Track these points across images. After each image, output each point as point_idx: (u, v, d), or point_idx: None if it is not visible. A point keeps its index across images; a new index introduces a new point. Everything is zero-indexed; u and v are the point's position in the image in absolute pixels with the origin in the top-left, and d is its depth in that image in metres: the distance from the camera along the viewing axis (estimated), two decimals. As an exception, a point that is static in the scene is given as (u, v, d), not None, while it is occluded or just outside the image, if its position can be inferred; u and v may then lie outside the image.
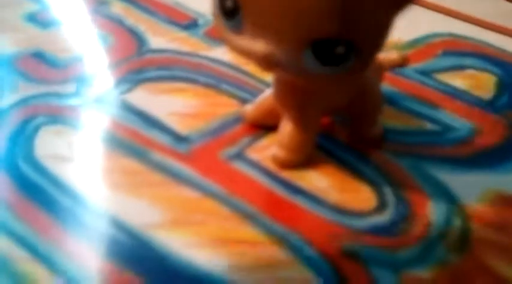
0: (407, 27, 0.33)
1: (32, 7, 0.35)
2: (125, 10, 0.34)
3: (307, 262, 0.19)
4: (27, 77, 0.28)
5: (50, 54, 0.30)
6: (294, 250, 0.19)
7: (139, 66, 0.29)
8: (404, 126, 0.25)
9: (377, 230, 0.20)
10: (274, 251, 0.19)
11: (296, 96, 0.22)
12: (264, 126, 0.24)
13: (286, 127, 0.22)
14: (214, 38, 0.30)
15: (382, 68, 0.24)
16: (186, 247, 0.19)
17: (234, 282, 0.18)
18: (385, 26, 0.18)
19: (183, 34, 0.31)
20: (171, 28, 0.32)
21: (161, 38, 0.31)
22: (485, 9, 0.36)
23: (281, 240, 0.20)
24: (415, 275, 0.19)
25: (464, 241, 0.20)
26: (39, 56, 0.30)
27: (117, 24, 0.33)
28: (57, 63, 0.29)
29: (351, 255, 0.19)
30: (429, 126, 0.25)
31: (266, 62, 0.18)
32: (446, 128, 0.25)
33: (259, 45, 0.18)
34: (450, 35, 0.33)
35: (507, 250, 0.20)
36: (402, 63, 0.26)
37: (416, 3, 0.35)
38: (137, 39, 0.31)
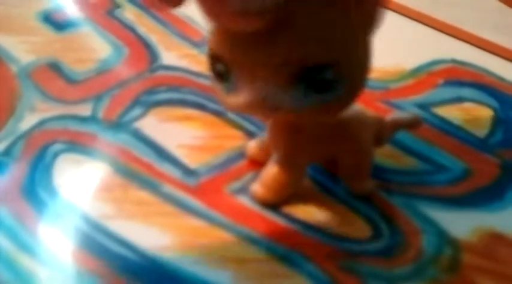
0: (411, 53, 0.34)
1: (47, 5, 0.36)
2: (137, 17, 0.35)
3: (308, 275, 0.22)
4: (44, 94, 0.29)
5: (66, 66, 0.31)
6: (295, 264, 0.22)
7: (151, 85, 0.30)
8: (396, 164, 0.27)
9: (373, 253, 0.23)
10: (276, 266, 0.22)
11: (288, 140, 0.23)
12: (265, 163, 0.25)
13: (273, 167, 0.24)
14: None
15: (382, 126, 0.25)
16: (194, 264, 0.22)
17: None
18: (363, 47, 0.19)
19: (194, 51, 0.32)
20: (183, 43, 0.33)
21: (173, 53, 0.32)
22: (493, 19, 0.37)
23: (282, 257, 0.22)
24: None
25: (455, 265, 0.22)
26: (55, 67, 0.31)
27: (130, 32, 0.34)
28: (74, 77, 0.30)
29: (349, 270, 0.22)
30: (421, 165, 0.27)
31: (266, 106, 0.18)
32: (439, 168, 0.27)
33: (253, 93, 0.18)
34: (452, 61, 0.33)
35: (497, 275, 0.22)
36: (414, 125, 0.27)
37: (422, 23, 0.35)
38: (150, 51, 0.32)
